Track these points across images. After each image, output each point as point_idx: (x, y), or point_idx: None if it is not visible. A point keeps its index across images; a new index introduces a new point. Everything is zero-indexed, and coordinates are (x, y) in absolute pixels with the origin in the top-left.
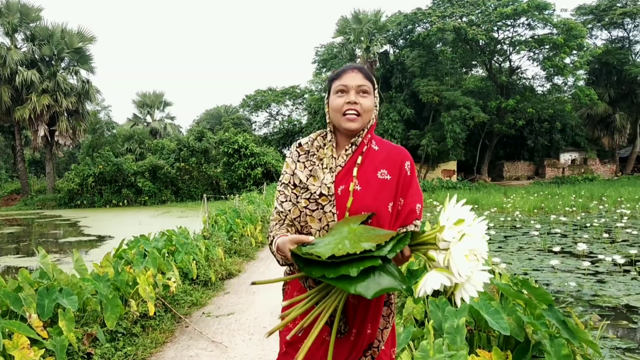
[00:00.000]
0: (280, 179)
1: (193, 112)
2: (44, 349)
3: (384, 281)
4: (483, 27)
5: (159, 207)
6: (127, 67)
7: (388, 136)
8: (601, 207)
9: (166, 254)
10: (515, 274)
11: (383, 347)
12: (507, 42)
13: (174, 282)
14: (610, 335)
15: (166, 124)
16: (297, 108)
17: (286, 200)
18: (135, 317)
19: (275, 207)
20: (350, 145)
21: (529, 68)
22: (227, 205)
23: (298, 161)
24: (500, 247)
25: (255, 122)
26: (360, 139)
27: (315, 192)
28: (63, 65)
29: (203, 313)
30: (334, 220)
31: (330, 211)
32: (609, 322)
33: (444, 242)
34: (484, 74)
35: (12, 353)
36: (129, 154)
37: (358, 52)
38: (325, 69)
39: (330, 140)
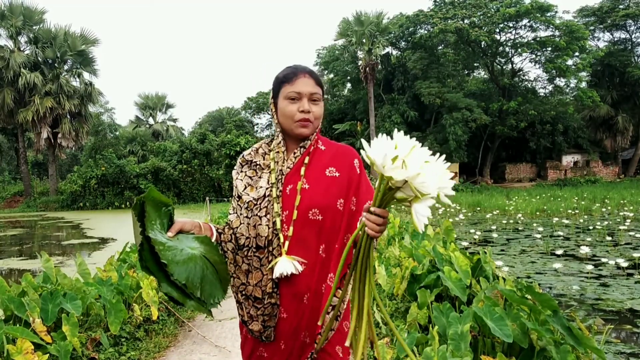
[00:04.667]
0: None
1: (195, 114)
2: (48, 354)
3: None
4: (485, 29)
5: None
6: (129, 69)
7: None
8: (604, 209)
9: None
10: (518, 278)
11: (341, 355)
12: (509, 44)
13: None
14: (614, 339)
15: (168, 126)
16: None
17: (233, 212)
18: (139, 322)
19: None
20: (299, 148)
21: (531, 70)
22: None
23: (241, 171)
24: (502, 250)
25: (258, 124)
26: (309, 142)
27: (248, 201)
28: (66, 67)
29: (206, 317)
30: (274, 223)
31: (268, 216)
32: (612, 326)
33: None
34: (485, 76)
35: (16, 358)
36: (131, 156)
37: (360, 54)
38: (327, 71)
39: (279, 144)
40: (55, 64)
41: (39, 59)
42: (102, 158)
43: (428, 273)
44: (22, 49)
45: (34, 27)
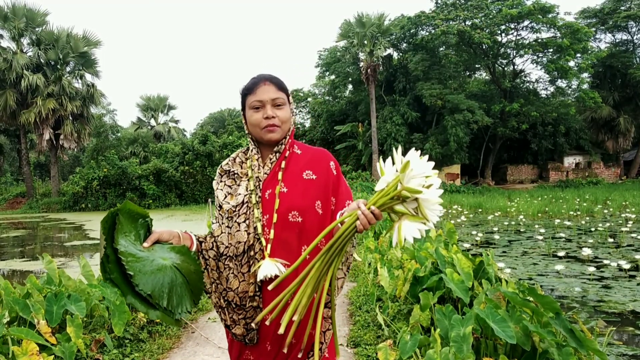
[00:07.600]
0: None
1: (197, 116)
2: (53, 355)
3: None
4: (487, 31)
5: (163, 210)
6: (131, 70)
7: (391, 140)
8: (606, 211)
9: None
10: (520, 280)
11: (327, 355)
12: (510, 45)
13: None
14: (616, 341)
15: (170, 128)
16: (300, 111)
17: (215, 222)
18: (142, 323)
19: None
20: (274, 153)
21: (533, 71)
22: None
23: (220, 181)
24: (504, 252)
25: None
26: (283, 146)
27: (228, 209)
28: (68, 69)
29: (209, 318)
30: (255, 228)
31: (247, 222)
32: (614, 328)
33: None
34: (487, 78)
35: (22, 359)
36: (133, 157)
37: (361, 55)
38: (328, 73)
39: (254, 153)
40: (58, 66)
41: (42, 60)
42: (104, 159)
43: (430, 275)
44: (24, 51)
45: (37, 29)
